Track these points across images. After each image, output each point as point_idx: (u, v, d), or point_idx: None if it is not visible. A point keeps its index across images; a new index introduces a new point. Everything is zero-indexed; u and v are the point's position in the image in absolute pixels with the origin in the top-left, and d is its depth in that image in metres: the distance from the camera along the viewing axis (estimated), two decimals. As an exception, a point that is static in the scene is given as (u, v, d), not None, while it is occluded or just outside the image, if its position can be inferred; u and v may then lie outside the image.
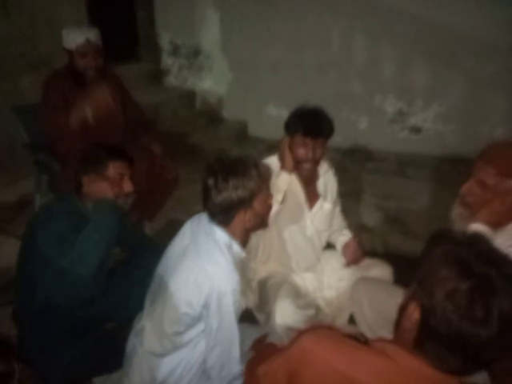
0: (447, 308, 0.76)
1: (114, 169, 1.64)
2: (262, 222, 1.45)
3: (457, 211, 1.44)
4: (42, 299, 1.62)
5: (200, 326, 1.35)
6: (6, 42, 2.96)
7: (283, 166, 1.77)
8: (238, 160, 1.34)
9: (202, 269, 1.28)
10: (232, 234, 1.36)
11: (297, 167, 1.77)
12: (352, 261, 1.88)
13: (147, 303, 1.49)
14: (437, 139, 3.83)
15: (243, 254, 1.40)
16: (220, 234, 1.34)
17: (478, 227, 1.33)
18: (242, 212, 1.34)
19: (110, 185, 1.63)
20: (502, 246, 1.30)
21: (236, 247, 1.37)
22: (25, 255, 1.66)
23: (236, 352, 1.32)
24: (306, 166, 1.76)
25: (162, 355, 1.40)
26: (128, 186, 1.69)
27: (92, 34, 2.33)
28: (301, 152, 1.72)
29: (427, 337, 0.81)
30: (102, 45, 2.41)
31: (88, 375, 1.62)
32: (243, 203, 1.32)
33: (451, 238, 0.84)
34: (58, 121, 2.29)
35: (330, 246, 2.04)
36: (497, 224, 1.35)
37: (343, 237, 1.97)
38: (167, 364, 1.40)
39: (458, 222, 1.42)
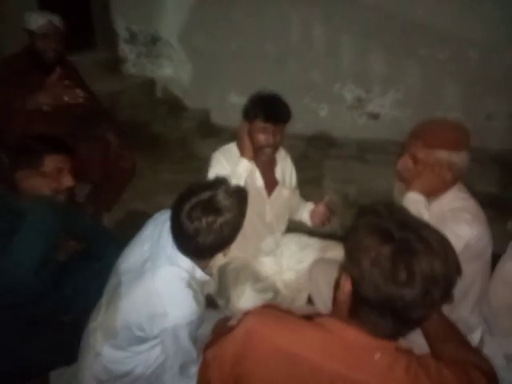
0: (373, 273, 0.81)
1: (50, 162, 1.50)
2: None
3: (397, 187, 1.56)
4: None
5: (156, 340, 1.30)
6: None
7: (243, 154, 1.77)
8: (213, 195, 1.20)
9: (157, 298, 1.21)
10: (200, 264, 1.28)
11: (256, 153, 1.78)
12: (320, 221, 1.86)
13: (103, 304, 1.42)
14: (394, 124, 3.92)
15: (207, 278, 1.33)
16: (183, 261, 1.25)
17: (412, 196, 1.43)
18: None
19: (46, 180, 1.51)
20: (437, 213, 1.40)
21: (199, 273, 1.28)
22: None
23: (195, 366, 1.28)
24: (267, 151, 1.77)
25: (116, 358, 1.36)
26: (67, 181, 1.56)
27: (54, 18, 2.34)
28: (261, 137, 1.73)
29: (359, 305, 0.85)
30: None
31: (45, 368, 1.58)
32: (230, 241, 1.26)
33: (373, 210, 0.89)
34: (8, 103, 2.21)
35: (289, 229, 2.07)
36: (430, 192, 1.44)
37: (309, 207, 1.98)
38: (123, 366, 1.36)
39: (399, 197, 1.51)
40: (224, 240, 1.23)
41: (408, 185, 1.48)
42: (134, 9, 4.05)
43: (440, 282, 0.81)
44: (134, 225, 1.46)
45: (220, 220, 1.18)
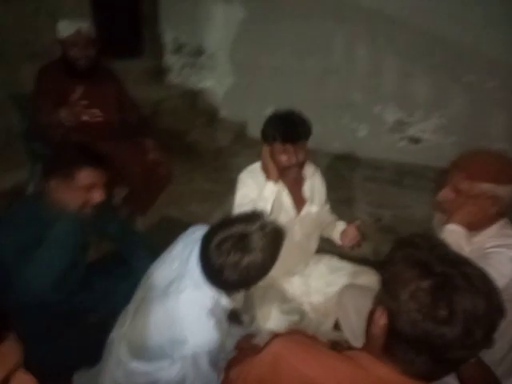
0: (411, 308, 0.77)
1: (83, 176, 1.44)
2: None
3: (437, 218, 1.50)
4: (18, 298, 1.53)
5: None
6: (7, 31, 2.95)
7: (268, 176, 1.74)
8: (246, 231, 1.15)
9: (178, 323, 1.18)
10: (225, 293, 1.25)
11: (282, 174, 1.75)
12: (350, 243, 1.81)
13: (130, 312, 1.42)
14: (435, 150, 3.82)
15: (232, 306, 1.29)
16: (209, 288, 1.22)
17: (452, 228, 1.37)
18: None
19: (75, 194, 1.45)
20: (478, 249, 1.34)
21: (225, 301, 1.25)
22: None
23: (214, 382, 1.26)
24: (292, 170, 1.73)
25: (138, 369, 1.35)
26: (98, 197, 1.49)
27: (83, 25, 2.35)
28: (283, 159, 1.69)
29: (395, 341, 0.81)
30: (100, 38, 2.45)
31: (69, 368, 1.59)
32: (255, 281, 1.22)
33: (412, 242, 0.86)
34: (49, 111, 2.29)
35: (319, 250, 2.02)
36: (471, 225, 1.38)
37: (340, 226, 1.93)
38: (146, 377, 1.35)
39: (439, 229, 1.45)
40: (249, 280, 1.19)
41: (449, 217, 1.42)
42: (182, 20, 4.16)
43: (482, 323, 0.76)
44: (166, 230, 1.48)
45: (247, 260, 1.13)
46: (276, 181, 1.74)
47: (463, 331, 0.74)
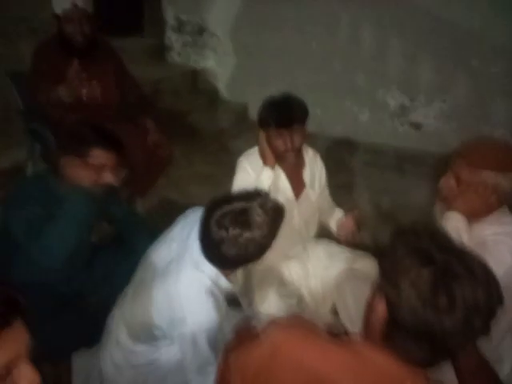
0: (411, 296, 0.77)
1: (96, 155, 1.49)
2: None
3: (438, 205, 1.49)
4: (21, 275, 1.55)
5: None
6: (6, 6, 2.89)
7: (265, 162, 1.74)
8: (247, 207, 1.16)
9: (177, 301, 1.20)
10: (224, 272, 1.26)
11: (279, 159, 1.74)
12: (347, 236, 1.83)
13: (129, 293, 1.43)
14: (437, 136, 3.79)
15: (231, 286, 1.30)
16: (208, 267, 1.23)
17: (453, 215, 1.37)
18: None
19: (88, 171, 1.50)
20: (477, 237, 1.34)
21: (223, 281, 1.26)
22: (1, 229, 1.59)
23: (213, 368, 1.26)
24: (288, 155, 1.72)
25: (136, 350, 1.37)
26: (108, 178, 1.53)
27: (82, 2, 2.28)
28: (279, 144, 1.68)
29: (394, 329, 0.82)
30: (100, 15, 2.40)
31: (68, 349, 1.60)
32: (253, 258, 1.23)
33: (412, 230, 0.86)
34: (48, 89, 2.25)
35: (317, 234, 2.03)
36: (471, 213, 1.38)
37: (337, 215, 1.94)
38: (143, 357, 1.37)
39: (439, 216, 1.45)
40: (247, 256, 1.20)
41: (449, 204, 1.42)
42: (184, -2, 4.08)
43: (481, 311, 0.77)
44: (165, 213, 1.48)
45: (247, 235, 1.14)
46: (272, 166, 1.73)
47: (463, 319, 0.75)
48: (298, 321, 1.00)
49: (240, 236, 1.14)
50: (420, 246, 0.81)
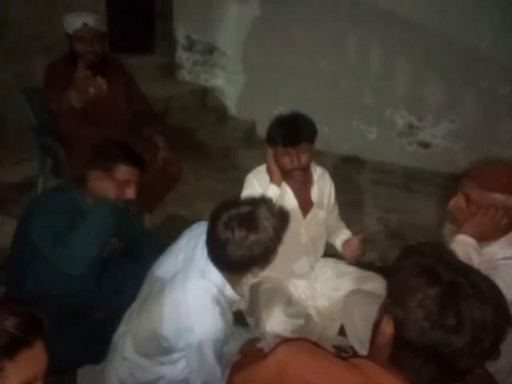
0: (419, 316, 0.76)
1: (122, 171, 1.57)
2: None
3: (447, 227, 1.48)
4: (33, 286, 1.60)
5: (180, 353, 1.30)
6: (22, 24, 2.97)
7: (271, 179, 1.75)
8: (254, 211, 1.19)
9: (184, 311, 1.20)
10: (230, 279, 1.27)
11: (286, 177, 1.75)
12: (351, 256, 1.82)
13: (135, 309, 1.44)
14: (445, 156, 3.80)
15: (237, 298, 1.31)
16: (215, 276, 1.24)
17: (463, 238, 1.36)
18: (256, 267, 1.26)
19: (113, 186, 1.57)
20: (488, 261, 1.32)
21: (229, 291, 1.27)
22: (19, 241, 1.64)
23: (218, 380, 1.28)
24: (296, 174, 1.73)
25: (143, 366, 1.37)
26: (131, 193, 1.61)
27: (90, 19, 2.33)
28: (286, 162, 1.69)
29: (402, 350, 0.81)
30: (113, 34, 2.43)
31: (73, 364, 1.61)
32: (262, 259, 1.23)
33: (419, 250, 0.85)
34: (58, 97, 2.27)
35: (326, 254, 2.02)
36: (482, 236, 1.36)
37: (343, 235, 1.93)
38: (148, 374, 1.36)
39: (449, 238, 1.44)
40: (253, 259, 1.21)
41: (459, 226, 1.41)
42: (195, 18, 4.17)
43: (490, 331, 0.75)
44: (173, 228, 1.49)
45: (253, 237, 1.16)
46: (279, 183, 1.74)
47: (471, 340, 0.74)
48: (305, 341, 0.99)
49: (246, 238, 1.16)
50: (427, 265, 0.81)
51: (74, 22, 2.30)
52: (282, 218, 1.25)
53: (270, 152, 1.74)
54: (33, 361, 0.73)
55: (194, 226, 1.43)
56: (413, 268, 0.82)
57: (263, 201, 1.25)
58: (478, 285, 0.78)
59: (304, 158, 1.69)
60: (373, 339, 0.89)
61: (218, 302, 1.22)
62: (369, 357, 0.90)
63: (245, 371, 0.96)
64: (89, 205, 1.59)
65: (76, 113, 2.30)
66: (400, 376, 0.81)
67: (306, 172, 1.79)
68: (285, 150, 1.67)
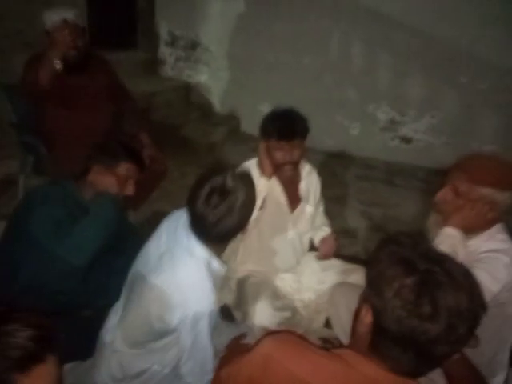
0: (396, 305, 0.78)
1: (124, 169, 1.65)
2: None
3: (432, 218, 1.49)
4: (25, 283, 1.59)
5: (173, 336, 1.31)
6: (2, 19, 2.91)
7: (263, 172, 1.76)
8: (232, 185, 1.24)
9: (177, 288, 1.22)
10: (212, 249, 1.29)
11: (277, 171, 1.77)
12: (325, 253, 1.89)
13: (122, 299, 1.45)
14: (427, 150, 3.86)
15: (223, 270, 1.33)
16: (200, 250, 1.26)
17: (449, 231, 1.37)
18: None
19: (114, 181, 1.64)
20: (472, 253, 1.36)
21: (216, 264, 1.29)
22: (11, 236, 1.62)
23: (209, 365, 1.30)
24: (287, 168, 1.75)
25: (133, 356, 1.37)
26: (129, 190, 1.69)
27: (69, 14, 2.29)
28: (278, 156, 1.71)
29: (380, 338, 0.83)
30: (94, 29, 2.40)
31: (60, 361, 1.59)
32: (246, 223, 1.27)
33: (396, 240, 0.87)
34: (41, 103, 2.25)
35: (313, 248, 2.05)
36: (468, 229, 1.38)
37: (322, 232, 1.97)
38: (139, 364, 1.37)
39: (433, 229, 1.45)
40: (243, 220, 1.25)
41: (445, 218, 1.42)
42: (177, 13, 4.13)
43: (465, 317, 0.78)
44: (158, 225, 1.48)
45: (237, 202, 1.21)
46: (269, 177, 1.75)
47: (447, 327, 0.76)
48: (288, 333, 1.01)
49: (233, 205, 1.21)
50: (403, 255, 0.83)
51: (53, 18, 2.25)
52: (246, 178, 1.30)
53: (262, 145, 1.75)
54: (46, 375, 0.73)
55: (171, 214, 1.45)
56: (389, 257, 0.84)
57: (225, 169, 1.28)
58: (453, 272, 0.80)
59: (296, 153, 1.72)
60: (353, 328, 0.91)
61: (208, 277, 1.25)
62: (350, 346, 0.92)
63: (230, 366, 0.97)
64: (88, 199, 1.63)
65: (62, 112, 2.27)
66: (381, 364, 0.83)
67: (296, 167, 1.81)
68: (278, 144, 1.69)
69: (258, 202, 1.67)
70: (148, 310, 1.27)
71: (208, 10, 4.07)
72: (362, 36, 3.75)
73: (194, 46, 4.24)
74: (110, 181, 1.63)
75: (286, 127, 1.69)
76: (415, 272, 0.79)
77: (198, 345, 1.27)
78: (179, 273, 1.24)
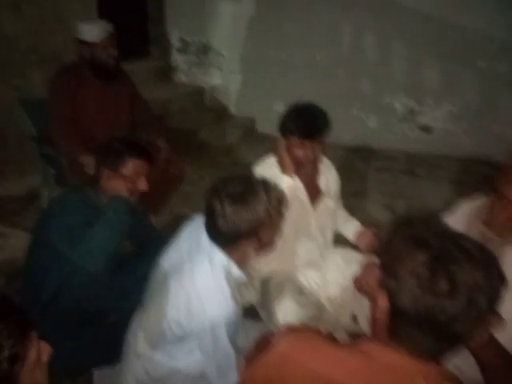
0: (411, 283, 0.76)
1: (131, 166, 1.64)
2: (266, 249, 1.34)
3: (478, 229, 1.32)
4: (51, 292, 1.62)
5: (195, 342, 1.29)
6: (16, 37, 2.98)
7: (284, 171, 1.72)
8: (247, 185, 1.23)
9: (196, 296, 1.21)
10: (232, 256, 1.27)
11: (297, 167, 1.73)
12: (368, 246, 1.82)
13: (145, 304, 1.45)
14: (448, 139, 3.78)
15: (244, 278, 1.31)
16: (219, 256, 1.25)
17: None
18: (246, 241, 1.25)
19: (124, 182, 1.64)
20: None
21: (235, 271, 1.27)
22: (36, 247, 1.67)
23: (233, 369, 1.28)
24: (307, 166, 1.72)
25: (157, 360, 1.37)
26: (142, 185, 1.69)
27: (109, 26, 2.38)
28: (300, 154, 1.67)
29: (398, 321, 0.80)
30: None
31: (87, 367, 1.62)
32: (249, 234, 1.23)
33: (408, 221, 0.85)
34: (62, 110, 2.30)
35: (335, 242, 2.02)
36: None
37: (352, 227, 1.93)
38: (164, 369, 1.37)
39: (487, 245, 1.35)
40: (239, 234, 1.21)
41: (499, 231, 1.29)
42: (187, 20, 4.17)
43: (485, 291, 0.74)
44: (179, 229, 1.48)
45: (240, 213, 1.18)
46: (292, 175, 1.72)
47: (466, 301, 0.73)
48: (304, 331, 0.99)
49: (234, 212, 1.18)
50: (416, 234, 0.81)
51: (101, 31, 2.32)
52: (278, 202, 1.26)
53: (282, 142, 1.71)
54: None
55: (195, 216, 1.43)
56: (402, 239, 0.81)
57: (261, 182, 1.26)
58: (468, 248, 0.77)
59: (318, 150, 1.68)
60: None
61: (227, 284, 1.23)
62: (370, 335, 0.89)
63: (249, 368, 0.96)
64: (103, 203, 1.65)
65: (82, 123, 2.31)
66: (400, 349, 0.80)
67: (316, 162, 1.78)
68: (301, 142, 1.65)
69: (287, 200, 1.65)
70: (166, 314, 1.27)
71: (217, 14, 4.09)
72: (373, 26, 3.70)
73: (205, 50, 4.27)
74: (118, 184, 1.64)
75: (308, 126, 1.63)
76: (429, 249, 0.77)
77: (219, 351, 1.25)
78: (198, 281, 1.23)
